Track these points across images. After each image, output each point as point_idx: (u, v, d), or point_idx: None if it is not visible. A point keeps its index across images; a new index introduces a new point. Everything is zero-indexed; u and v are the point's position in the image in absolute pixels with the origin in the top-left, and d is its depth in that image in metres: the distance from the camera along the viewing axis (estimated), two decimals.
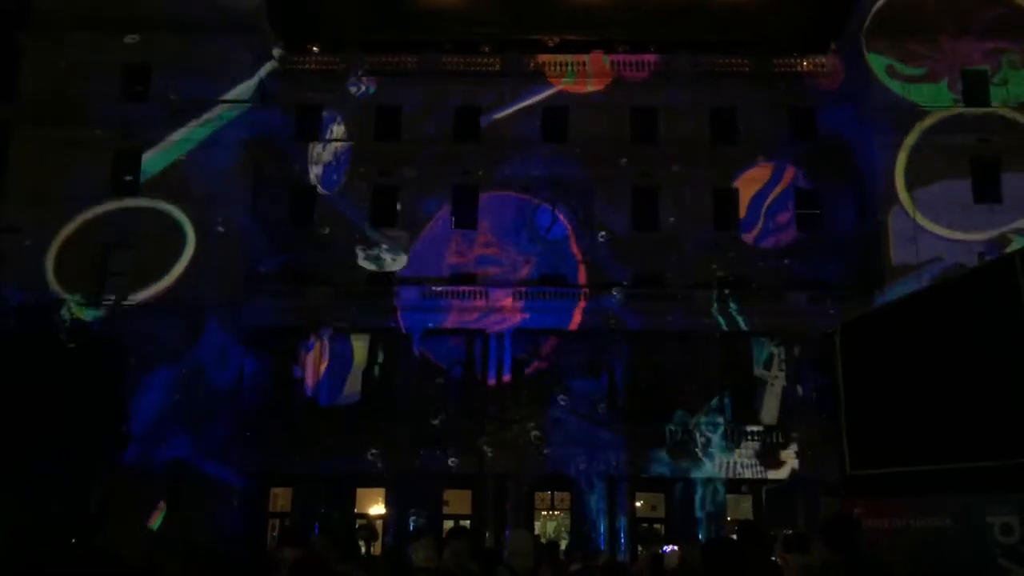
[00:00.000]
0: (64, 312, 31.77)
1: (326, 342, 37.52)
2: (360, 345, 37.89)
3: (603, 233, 40.34)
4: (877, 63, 38.71)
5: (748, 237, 40.19)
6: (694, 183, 40.86)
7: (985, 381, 6.24)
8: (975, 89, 38.77)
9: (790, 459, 35.33)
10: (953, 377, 6.57)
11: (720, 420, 36.64)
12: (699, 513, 35.55)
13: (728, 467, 35.38)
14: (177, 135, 38.39)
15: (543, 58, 42.98)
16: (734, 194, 40.90)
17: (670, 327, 37.23)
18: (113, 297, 36.76)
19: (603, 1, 43.82)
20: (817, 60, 42.60)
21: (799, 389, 36.74)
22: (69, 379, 27.82)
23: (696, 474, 35.68)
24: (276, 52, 41.46)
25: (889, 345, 7.50)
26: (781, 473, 34.82)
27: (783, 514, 31.19)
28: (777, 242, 40.04)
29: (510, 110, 41.88)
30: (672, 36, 42.60)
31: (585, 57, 42.73)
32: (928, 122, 37.85)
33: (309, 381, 37.13)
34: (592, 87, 42.00)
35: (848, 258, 38.71)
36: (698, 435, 36.14)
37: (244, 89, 39.57)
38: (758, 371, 37.26)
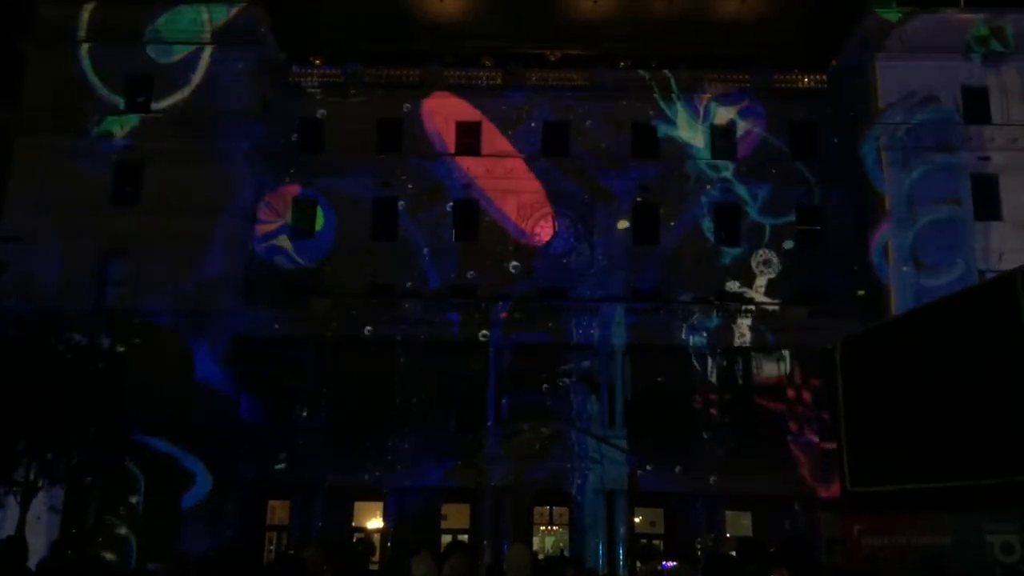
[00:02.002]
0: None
1: (326, 353, 37.38)
2: (359, 356, 37.72)
3: (603, 247, 40.45)
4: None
5: (748, 252, 40.21)
6: (694, 198, 40.90)
7: (986, 397, 6.22)
8: None
9: (789, 474, 35.11)
10: (953, 393, 6.55)
11: (720, 435, 36.51)
12: (698, 529, 35.38)
13: (728, 482, 35.13)
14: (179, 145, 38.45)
15: (545, 72, 43.11)
16: (734, 209, 40.94)
17: (670, 341, 37.19)
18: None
19: (605, 16, 43.98)
20: (818, 76, 42.73)
21: (799, 404, 36.65)
22: (67, 390, 27.78)
23: (696, 489, 35.49)
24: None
25: (889, 360, 7.48)
26: (781, 488, 34.61)
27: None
28: (778, 257, 40.02)
29: (511, 123, 41.91)
30: (673, 51, 42.72)
31: (587, 71, 42.87)
32: None
33: (307, 392, 37.01)
34: (593, 101, 42.05)
35: (849, 273, 38.71)
36: (698, 450, 36.00)
37: (246, 100, 39.61)
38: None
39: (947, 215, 37.37)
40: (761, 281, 39.22)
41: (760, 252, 39.78)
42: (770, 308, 38.40)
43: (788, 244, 40.19)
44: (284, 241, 40.31)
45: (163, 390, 34.12)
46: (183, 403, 34.29)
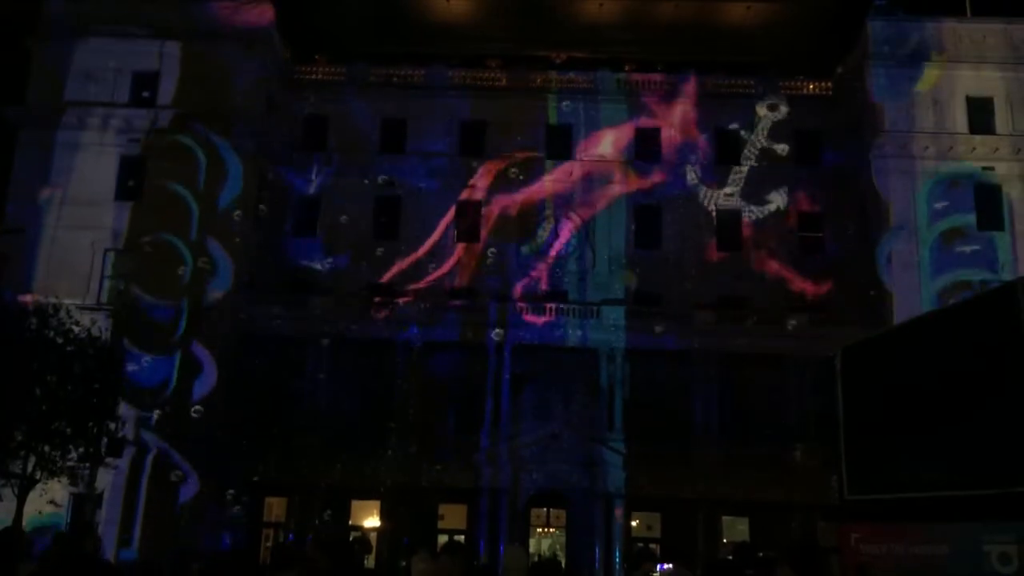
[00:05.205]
0: None
1: (325, 352, 37.35)
2: (358, 355, 37.70)
3: (604, 250, 40.47)
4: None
5: (749, 258, 40.20)
6: (697, 203, 40.90)
7: (985, 408, 6.23)
8: None
9: (787, 481, 35.03)
10: (953, 403, 6.55)
11: (717, 440, 36.47)
12: (695, 534, 35.29)
13: (726, 487, 35.06)
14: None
15: (550, 74, 43.10)
16: (736, 215, 40.93)
17: (669, 346, 37.14)
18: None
19: (611, 20, 43.92)
20: (823, 83, 42.73)
21: (798, 411, 36.57)
22: (65, 383, 27.77)
23: (693, 494, 35.43)
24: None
25: (890, 369, 7.48)
26: (779, 495, 34.53)
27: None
28: (778, 264, 40.01)
29: (515, 126, 41.86)
30: (679, 56, 42.72)
31: (592, 75, 42.88)
32: None
33: (307, 390, 36.99)
34: (597, 104, 42.05)
35: (851, 280, 38.69)
36: (696, 454, 35.96)
37: (251, 98, 39.60)
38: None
39: (949, 224, 37.37)
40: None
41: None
42: (770, 315, 38.34)
43: (789, 249, 40.20)
44: None
45: (162, 385, 34.26)
46: (182, 398, 34.36)
